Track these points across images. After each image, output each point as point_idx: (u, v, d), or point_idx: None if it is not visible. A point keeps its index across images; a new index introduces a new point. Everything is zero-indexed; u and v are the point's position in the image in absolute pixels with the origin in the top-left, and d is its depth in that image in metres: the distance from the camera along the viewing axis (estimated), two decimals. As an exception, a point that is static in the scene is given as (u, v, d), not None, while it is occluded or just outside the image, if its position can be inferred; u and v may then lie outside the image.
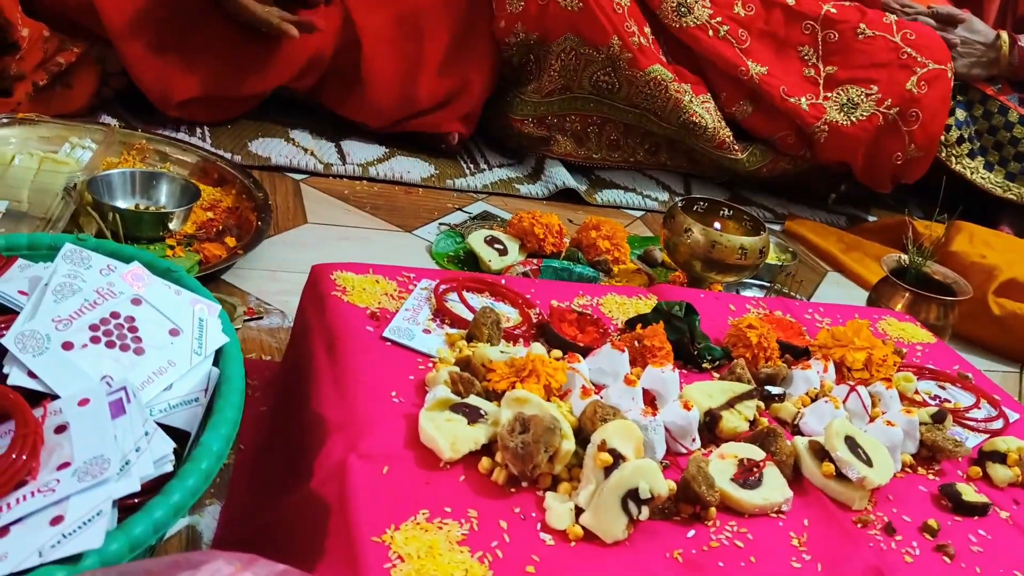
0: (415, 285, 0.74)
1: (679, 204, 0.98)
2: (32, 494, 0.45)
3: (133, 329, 0.56)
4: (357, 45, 1.25)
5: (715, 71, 1.42)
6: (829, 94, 1.43)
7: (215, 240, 0.95)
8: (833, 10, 1.45)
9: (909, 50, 1.43)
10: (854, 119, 1.43)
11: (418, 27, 1.27)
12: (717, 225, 0.99)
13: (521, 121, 1.39)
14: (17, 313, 0.56)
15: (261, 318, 0.85)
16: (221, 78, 1.19)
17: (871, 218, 1.53)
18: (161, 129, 1.17)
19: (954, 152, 1.50)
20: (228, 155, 1.16)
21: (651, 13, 1.40)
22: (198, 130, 1.22)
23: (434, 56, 1.29)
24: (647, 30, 1.39)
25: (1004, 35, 1.49)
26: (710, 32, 1.41)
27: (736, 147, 1.45)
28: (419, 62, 1.28)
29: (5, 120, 1.03)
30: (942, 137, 1.47)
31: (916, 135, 1.43)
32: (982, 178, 1.52)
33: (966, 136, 1.50)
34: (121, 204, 0.95)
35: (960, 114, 1.49)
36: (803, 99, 1.42)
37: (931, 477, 0.65)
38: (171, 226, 0.94)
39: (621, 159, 1.48)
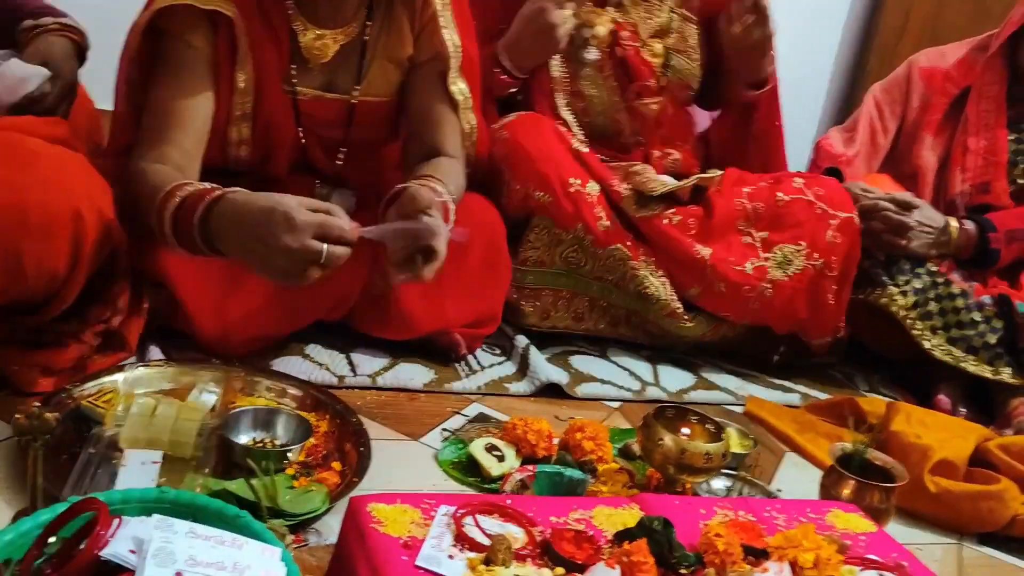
0: (436, 512, 0.89)
1: (651, 414, 1.15)
2: None
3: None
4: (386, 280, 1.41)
5: (669, 257, 1.66)
6: (767, 255, 1.66)
7: (324, 466, 1.11)
8: (749, 189, 1.71)
9: (822, 205, 1.69)
10: (790, 273, 1.66)
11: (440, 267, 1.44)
12: (686, 430, 1.16)
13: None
14: (131, 571, 0.70)
15: (307, 544, 0.99)
16: (270, 322, 1.38)
17: (822, 395, 1.71)
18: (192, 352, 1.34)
19: (911, 315, 1.71)
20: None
21: (617, 205, 1.64)
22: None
23: (462, 284, 1.47)
24: (614, 216, 1.63)
25: (953, 221, 1.76)
26: (664, 220, 1.64)
27: (686, 316, 1.68)
28: (447, 291, 1.45)
29: (137, 365, 1.19)
30: (902, 301, 1.71)
31: (838, 279, 1.68)
32: (927, 340, 1.72)
33: (920, 302, 1.72)
34: (244, 440, 1.12)
35: (917, 283, 1.72)
36: (747, 264, 1.66)
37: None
38: (290, 456, 1.10)
39: (584, 329, 1.70)
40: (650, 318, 1.67)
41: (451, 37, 1.44)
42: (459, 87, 1.46)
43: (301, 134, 1.43)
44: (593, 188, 1.62)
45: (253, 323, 1.37)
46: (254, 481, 1.01)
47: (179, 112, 1.29)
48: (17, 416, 0.84)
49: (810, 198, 1.69)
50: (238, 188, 1.15)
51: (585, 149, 1.66)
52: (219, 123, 1.35)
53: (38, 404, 0.84)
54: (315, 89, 1.41)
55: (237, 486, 1.01)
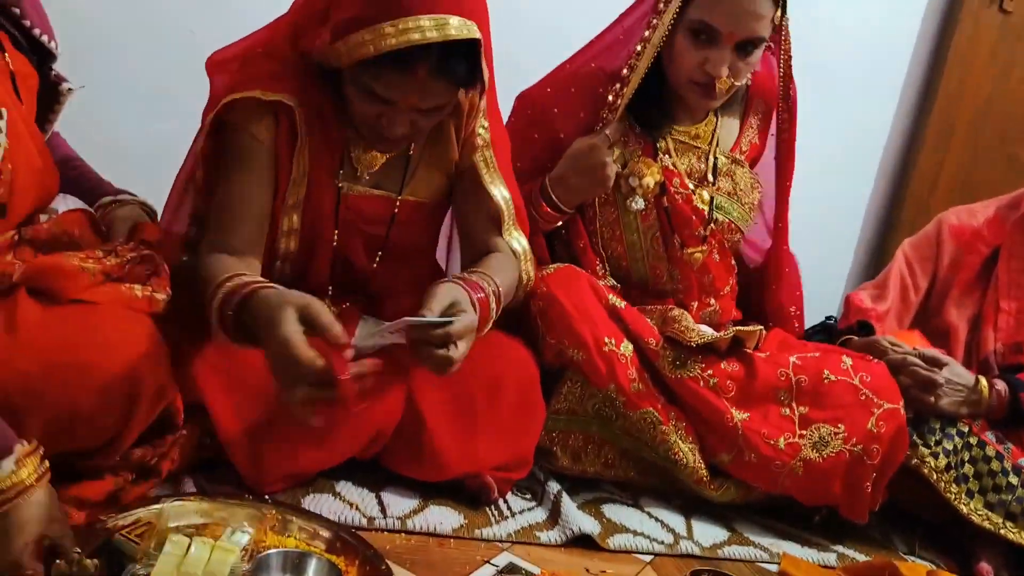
0: None
1: (688, 578, 1.13)
2: None
3: None
4: (419, 420, 1.45)
5: (701, 420, 1.64)
6: (804, 432, 1.63)
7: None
8: (798, 361, 1.69)
9: (867, 391, 1.66)
10: (825, 455, 1.62)
11: (473, 407, 1.48)
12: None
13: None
14: None
15: None
16: (304, 460, 1.39)
17: (859, 556, 1.66)
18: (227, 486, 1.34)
19: (943, 478, 1.67)
20: (286, 514, 1.32)
21: (651, 364, 1.63)
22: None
23: (495, 426, 1.49)
24: (647, 376, 1.62)
25: (983, 380, 1.74)
26: (701, 383, 1.63)
27: (712, 485, 1.65)
28: (480, 432, 1.48)
29: (173, 499, 1.20)
30: (933, 463, 1.66)
31: (878, 467, 1.63)
32: (964, 505, 1.68)
33: (953, 464, 1.68)
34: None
35: (948, 444, 1.68)
36: (781, 439, 1.62)
37: None
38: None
39: (613, 476, 1.68)
40: (679, 478, 1.66)
41: (500, 192, 1.50)
42: (518, 240, 1.52)
43: (336, 235, 1.47)
44: (627, 348, 1.61)
45: (288, 461, 1.38)
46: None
47: (244, 202, 1.38)
48: (58, 562, 0.84)
49: (856, 383, 1.66)
50: (272, 285, 1.23)
51: (622, 304, 1.66)
52: (274, 211, 1.41)
53: (78, 551, 0.85)
54: (362, 187, 1.48)
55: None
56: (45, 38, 1.30)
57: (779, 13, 1.65)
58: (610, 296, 1.66)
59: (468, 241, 1.56)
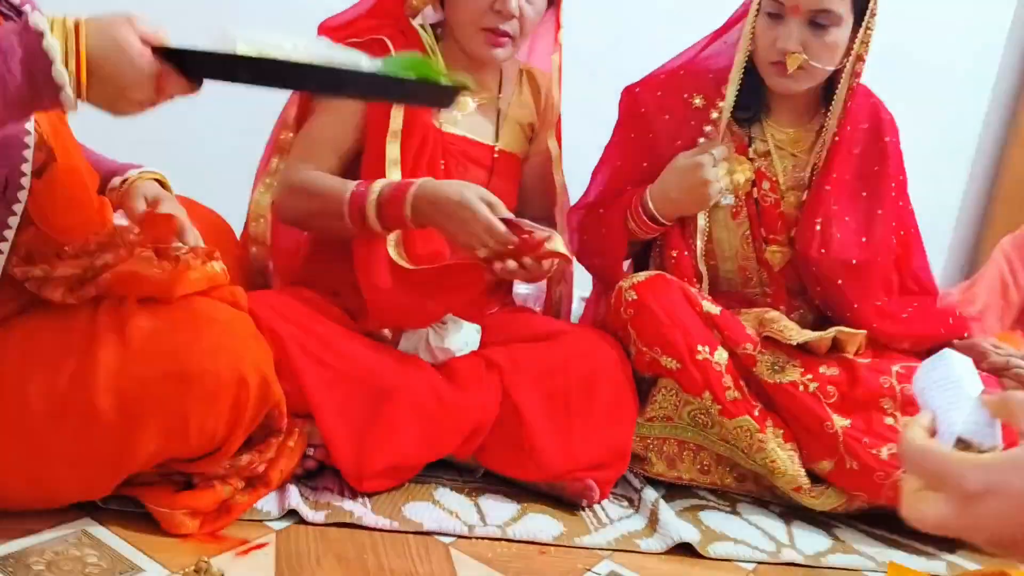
0: None
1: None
2: None
3: None
4: (517, 416, 1.47)
5: (801, 427, 1.60)
6: None
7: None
8: (902, 369, 1.64)
9: None
10: None
11: (568, 403, 1.51)
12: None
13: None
14: None
15: None
16: (407, 449, 1.42)
17: (970, 564, 1.60)
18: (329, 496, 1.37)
19: None
20: (388, 522, 1.34)
21: (747, 370, 1.61)
22: (359, 498, 1.40)
23: (591, 421, 1.52)
24: (743, 383, 1.59)
25: None
26: (800, 387, 1.60)
27: (812, 493, 1.61)
28: (576, 428, 1.50)
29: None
30: None
31: None
32: None
33: None
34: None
35: None
36: (884, 449, 1.57)
37: None
38: None
39: (710, 482, 1.65)
40: (778, 486, 1.62)
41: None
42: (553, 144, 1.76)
43: (443, 166, 1.59)
44: (721, 356, 1.58)
45: (390, 450, 1.40)
46: None
47: (330, 140, 1.56)
48: (185, 569, 0.87)
49: None
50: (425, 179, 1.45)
51: (717, 310, 1.63)
52: (378, 140, 1.53)
53: (207, 560, 0.87)
54: (457, 129, 1.63)
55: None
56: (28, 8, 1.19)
57: None
58: (704, 302, 1.63)
59: (528, 207, 1.71)
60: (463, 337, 1.59)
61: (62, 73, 0.89)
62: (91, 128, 1.36)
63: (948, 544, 1.65)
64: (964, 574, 1.54)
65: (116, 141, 1.54)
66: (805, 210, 1.72)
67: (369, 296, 1.50)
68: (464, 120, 1.64)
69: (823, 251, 1.70)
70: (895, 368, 1.64)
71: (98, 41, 0.91)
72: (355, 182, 1.47)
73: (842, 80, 1.67)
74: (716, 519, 1.59)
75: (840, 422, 1.58)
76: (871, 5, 1.62)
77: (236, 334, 1.20)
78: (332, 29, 1.59)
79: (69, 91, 0.90)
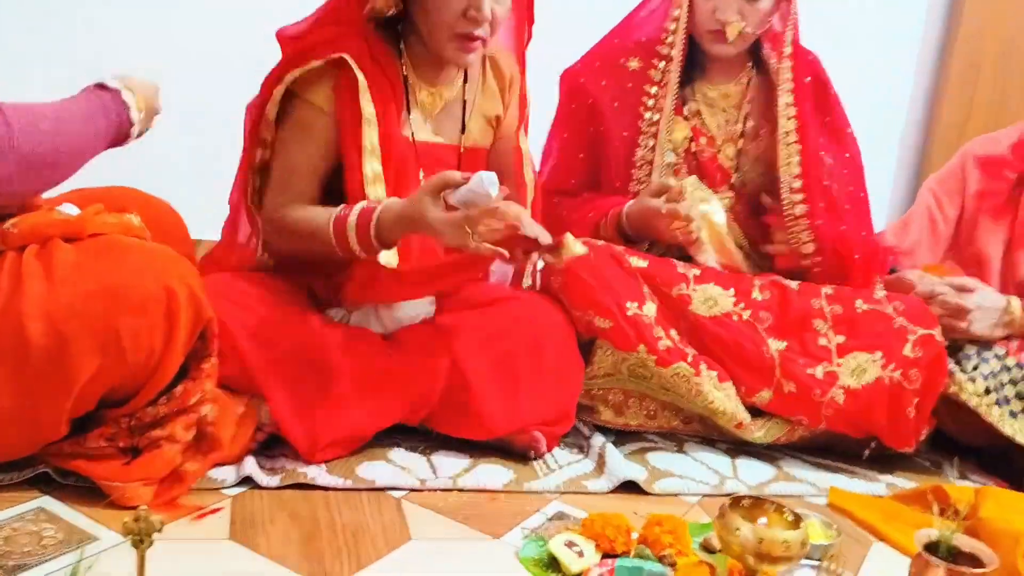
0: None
1: (728, 504, 1.16)
2: None
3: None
4: (464, 381, 1.52)
5: (738, 359, 1.67)
6: (841, 361, 1.65)
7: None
8: (830, 291, 1.72)
9: (901, 319, 1.68)
10: (863, 382, 1.64)
11: (515, 366, 1.56)
12: (763, 520, 1.16)
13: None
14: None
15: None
16: (356, 421, 1.47)
17: (909, 484, 1.67)
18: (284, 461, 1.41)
19: (984, 402, 1.68)
20: (342, 480, 1.39)
21: (682, 313, 1.67)
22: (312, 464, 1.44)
23: (536, 383, 1.57)
24: (673, 333, 1.66)
25: (1015, 300, 1.74)
26: (735, 317, 1.67)
27: (754, 427, 1.68)
28: (523, 390, 1.55)
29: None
30: (971, 388, 1.67)
31: (919, 392, 1.64)
32: (1008, 426, 1.68)
33: (992, 387, 1.68)
34: None
35: (985, 368, 1.69)
36: (819, 368, 1.66)
37: None
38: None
39: (657, 427, 1.73)
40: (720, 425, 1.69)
41: (530, 176, 1.71)
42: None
43: (422, 175, 1.57)
44: (650, 309, 1.64)
45: (339, 423, 1.44)
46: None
47: (306, 166, 1.53)
48: (125, 521, 0.91)
49: (889, 311, 1.68)
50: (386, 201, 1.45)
51: (644, 263, 1.68)
52: (354, 161, 1.49)
53: (145, 507, 0.91)
54: (427, 135, 1.60)
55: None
56: None
57: None
58: (631, 259, 1.69)
59: None
60: (414, 307, 1.64)
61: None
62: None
63: (888, 468, 1.72)
64: (902, 492, 1.61)
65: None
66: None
67: (359, 288, 1.54)
68: (430, 124, 1.61)
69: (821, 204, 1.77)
70: (824, 290, 1.72)
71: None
72: (337, 214, 1.45)
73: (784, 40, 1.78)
74: (663, 459, 1.65)
75: (776, 345, 1.66)
76: None
77: (159, 254, 1.25)
78: (290, 39, 1.56)
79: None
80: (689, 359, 1.64)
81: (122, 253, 1.23)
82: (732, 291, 1.68)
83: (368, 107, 1.49)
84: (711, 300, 1.68)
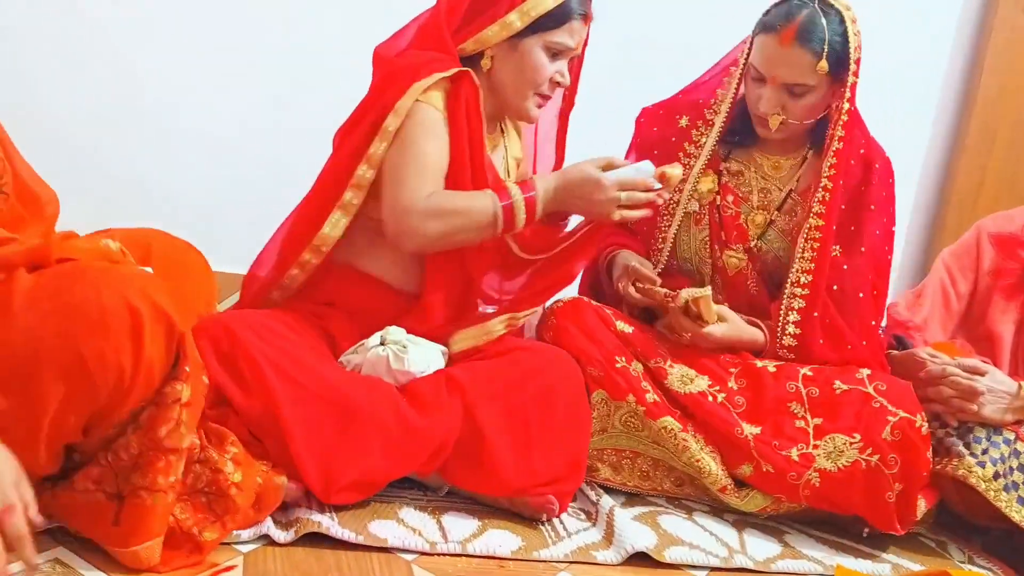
0: None
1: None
2: None
3: None
4: (479, 434, 1.54)
5: (716, 434, 1.71)
6: (818, 443, 1.68)
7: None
8: (809, 372, 1.75)
9: (882, 400, 1.68)
10: (840, 465, 1.65)
11: (527, 418, 1.58)
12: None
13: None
14: None
15: None
16: (373, 464, 1.47)
17: (914, 566, 1.67)
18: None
19: (992, 487, 1.67)
20: (354, 535, 1.40)
21: (660, 382, 1.74)
22: (327, 511, 1.45)
23: (549, 435, 1.59)
24: (660, 391, 1.72)
25: None
26: (709, 398, 1.72)
27: (738, 494, 1.71)
28: (535, 442, 1.58)
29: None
30: (980, 472, 1.66)
31: (899, 477, 1.63)
32: (1016, 512, 1.68)
33: (1001, 472, 1.68)
34: None
35: (995, 452, 1.69)
36: (794, 450, 1.67)
37: None
38: None
39: (651, 488, 1.76)
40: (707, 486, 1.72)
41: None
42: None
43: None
44: (637, 367, 1.72)
45: (356, 466, 1.45)
46: None
47: (436, 156, 1.60)
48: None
49: (870, 391, 1.69)
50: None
51: (629, 329, 1.76)
52: (478, 160, 1.61)
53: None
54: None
55: None
56: None
57: (825, 64, 1.70)
58: (618, 323, 1.77)
59: None
60: (425, 359, 1.65)
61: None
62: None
63: (893, 547, 1.72)
64: (908, 574, 1.61)
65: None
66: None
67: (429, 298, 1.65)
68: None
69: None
70: (802, 371, 1.75)
71: None
72: (489, 194, 1.57)
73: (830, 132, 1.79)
74: (672, 523, 1.66)
75: (750, 430, 1.69)
76: (852, 66, 1.74)
77: (118, 271, 1.19)
78: (390, 60, 1.65)
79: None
80: (677, 416, 1.69)
81: (80, 274, 1.16)
82: (707, 375, 1.74)
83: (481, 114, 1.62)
84: (687, 378, 1.74)
